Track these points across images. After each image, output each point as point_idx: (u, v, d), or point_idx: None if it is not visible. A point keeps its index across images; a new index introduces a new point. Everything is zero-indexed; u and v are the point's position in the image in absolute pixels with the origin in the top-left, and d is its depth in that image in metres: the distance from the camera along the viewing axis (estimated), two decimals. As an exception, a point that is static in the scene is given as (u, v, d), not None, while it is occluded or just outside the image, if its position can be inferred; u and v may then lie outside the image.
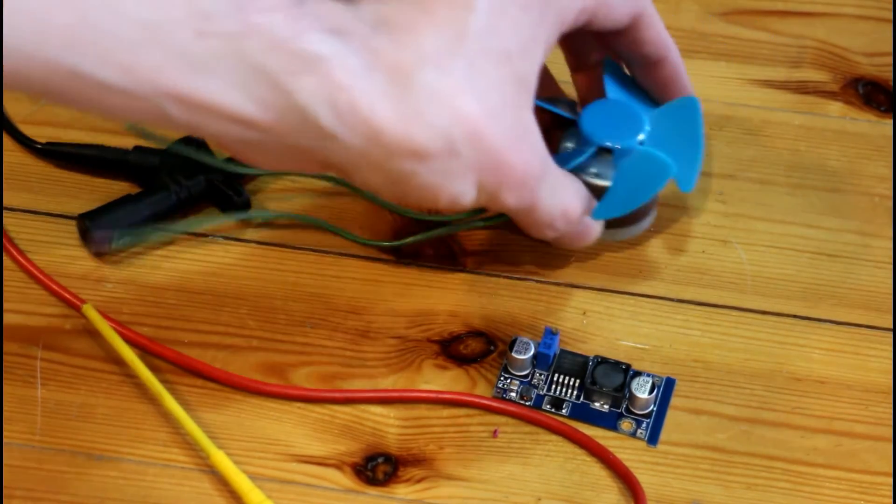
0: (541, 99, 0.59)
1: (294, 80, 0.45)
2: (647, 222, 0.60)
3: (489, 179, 0.50)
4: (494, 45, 0.49)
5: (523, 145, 0.51)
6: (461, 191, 0.50)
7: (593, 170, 0.57)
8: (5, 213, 0.62)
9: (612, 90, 0.59)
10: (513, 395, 0.56)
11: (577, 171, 0.57)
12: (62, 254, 0.60)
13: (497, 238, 0.62)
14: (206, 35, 0.44)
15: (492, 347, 0.58)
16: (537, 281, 0.60)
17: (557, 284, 0.60)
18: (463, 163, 0.49)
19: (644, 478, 0.54)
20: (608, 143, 0.57)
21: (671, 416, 0.56)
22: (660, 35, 0.57)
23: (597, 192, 0.57)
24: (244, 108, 0.46)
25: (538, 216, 0.54)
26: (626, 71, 0.60)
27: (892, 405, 0.56)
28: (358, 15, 0.47)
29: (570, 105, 0.60)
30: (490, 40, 0.49)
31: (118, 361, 0.56)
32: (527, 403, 0.56)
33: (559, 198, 0.54)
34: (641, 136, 0.57)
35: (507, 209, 0.53)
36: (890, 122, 0.67)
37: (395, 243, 0.61)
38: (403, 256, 0.61)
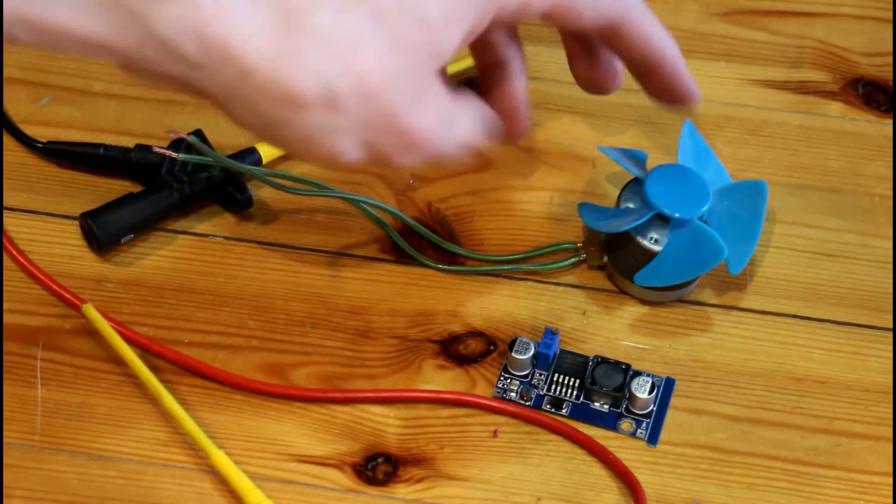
0: (611, 148, 0.60)
1: (151, 7, 0.42)
2: (684, 292, 0.60)
3: (379, 141, 0.46)
4: (413, 4, 0.44)
5: (425, 109, 0.46)
6: (341, 148, 0.46)
7: (651, 234, 0.57)
8: (5, 213, 0.62)
9: (684, 155, 0.60)
10: (513, 395, 0.56)
11: (633, 232, 0.57)
12: (62, 254, 0.60)
13: (497, 238, 0.62)
14: None
15: (492, 347, 0.58)
16: (537, 281, 0.60)
17: (557, 284, 0.60)
18: (347, 119, 0.44)
19: (644, 478, 0.54)
20: (667, 212, 0.57)
21: (671, 416, 0.56)
22: (650, 41, 0.52)
23: (648, 257, 0.57)
24: (97, 33, 0.42)
25: (444, 162, 0.49)
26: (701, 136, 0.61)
27: (892, 405, 0.56)
28: None
29: (640, 161, 0.60)
30: None
31: (118, 361, 0.56)
32: (527, 403, 0.56)
33: (459, 137, 0.49)
34: (706, 207, 0.57)
35: (402, 169, 0.48)
36: (890, 122, 0.67)
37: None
38: (404, 256, 0.61)
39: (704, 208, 0.57)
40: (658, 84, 0.55)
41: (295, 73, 0.43)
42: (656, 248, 0.57)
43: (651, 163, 0.60)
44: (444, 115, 0.47)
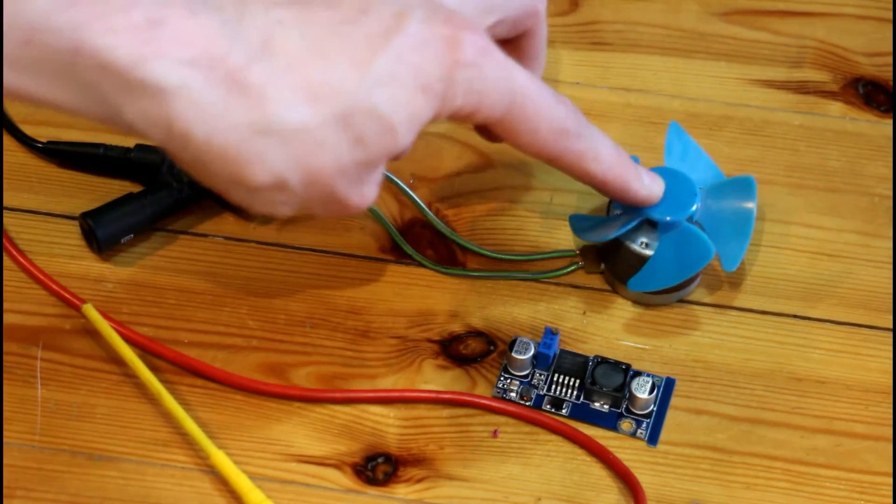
0: None
1: (125, 99, 0.44)
2: (683, 293, 0.60)
3: (313, 207, 0.48)
4: (383, 112, 0.46)
5: (364, 187, 0.48)
6: (277, 211, 0.48)
7: (641, 239, 0.57)
8: (5, 213, 0.62)
9: (671, 157, 0.60)
10: (513, 395, 0.56)
11: (623, 238, 0.57)
12: (62, 254, 0.60)
13: (497, 238, 0.62)
14: (33, 45, 0.43)
15: (492, 347, 0.58)
16: (537, 281, 0.60)
17: (557, 284, 0.60)
18: (290, 196, 0.47)
19: (644, 478, 0.54)
20: (653, 216, 0.57)
21: (671, 416, 0.56)
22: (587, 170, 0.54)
23: (642, 262, 0.57)
24: (68, 104, 0.45)
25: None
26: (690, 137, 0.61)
27: (892, 405, 0.56)
28: (240, 34, 0.44)
29: None
30: (378, 97, 0.46)
31: (118, 361, 0.56)
32: (527, 403, 0.56)
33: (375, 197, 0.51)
34: (694, 207, 0.57)
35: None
36: (890, 122, 0.67)
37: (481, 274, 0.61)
38: (403, 256, 0.61)
39: (693, 209, 0.57)
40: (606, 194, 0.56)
41: (251, 168, 0.45)
42: (648, 252, 0.57)
43: (644, 165, 0.60)
44: (376, 188, 0.50)
